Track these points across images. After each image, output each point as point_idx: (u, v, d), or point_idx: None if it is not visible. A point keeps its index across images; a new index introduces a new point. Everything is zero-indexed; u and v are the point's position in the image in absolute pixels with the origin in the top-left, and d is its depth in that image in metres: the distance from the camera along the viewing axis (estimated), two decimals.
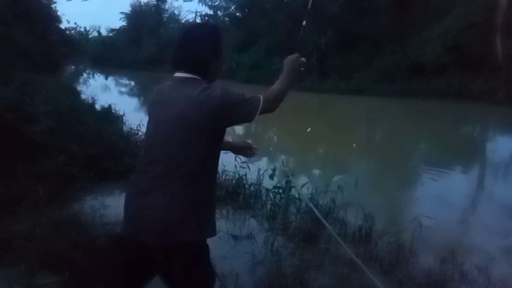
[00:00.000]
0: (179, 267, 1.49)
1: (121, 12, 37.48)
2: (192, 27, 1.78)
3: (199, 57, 1.55)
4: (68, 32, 27.92)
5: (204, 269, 1.57)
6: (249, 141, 2.17)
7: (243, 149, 2.05)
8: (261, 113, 1.53)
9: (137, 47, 32.52)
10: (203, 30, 1.66)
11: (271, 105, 1.57)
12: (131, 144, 5.37)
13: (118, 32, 38.70)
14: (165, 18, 36.04)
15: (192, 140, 1.46)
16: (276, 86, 1.62)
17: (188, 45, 1.57)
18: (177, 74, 1.56)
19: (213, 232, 1.58)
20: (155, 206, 1.44)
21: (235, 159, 4.70)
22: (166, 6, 36.38)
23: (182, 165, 1.45)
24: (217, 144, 1.57)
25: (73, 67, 26.38)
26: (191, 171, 1.46)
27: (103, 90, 17.89)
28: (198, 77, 1.53)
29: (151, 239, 1.44)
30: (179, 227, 1.44)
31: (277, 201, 3.85)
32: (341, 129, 10.31)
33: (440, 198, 4.81)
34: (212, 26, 1.86)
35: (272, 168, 3.99)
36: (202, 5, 29.65)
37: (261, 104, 1.52)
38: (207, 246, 1.57)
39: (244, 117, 1.53)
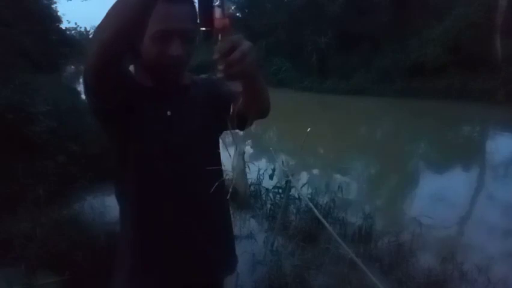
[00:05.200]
0: None
1: None
2: None
3: None
4: (68, 33, 27.92)
5: None
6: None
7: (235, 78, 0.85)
8: (90, 83, 0.87)
9: None
10: None
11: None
12: None
13: None
14: None
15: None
16: None
17: None
18: None
19: None
20: None
21: None
22: None
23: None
24: (124, 159, 1.03)
25: (72, 67, 26.35)
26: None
27: None
28: None
29: None
30: None
31: (277, 201, 3.85)
32: (341, 129, 10.31)
33: (440, 198, 4.81)
34: None
35: (272, 168, 3.98)
36: None
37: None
38: None
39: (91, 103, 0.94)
